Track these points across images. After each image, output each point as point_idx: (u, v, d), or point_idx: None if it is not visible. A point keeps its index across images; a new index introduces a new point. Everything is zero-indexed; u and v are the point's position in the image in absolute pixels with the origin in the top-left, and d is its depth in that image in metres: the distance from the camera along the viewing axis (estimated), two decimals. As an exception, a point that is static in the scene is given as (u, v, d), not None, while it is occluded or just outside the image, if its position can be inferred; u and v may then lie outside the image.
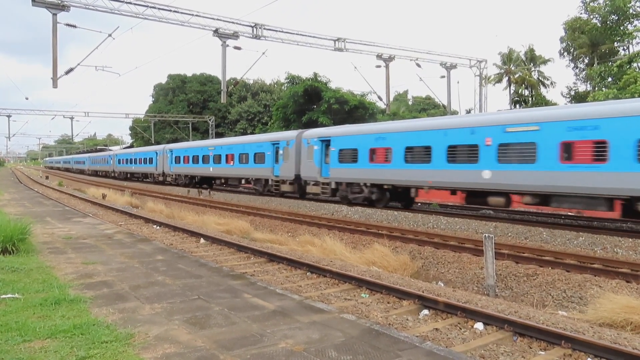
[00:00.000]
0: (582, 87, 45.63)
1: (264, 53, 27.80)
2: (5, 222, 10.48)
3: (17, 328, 5.29)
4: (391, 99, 36.13)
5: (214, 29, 24.09)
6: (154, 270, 8.67)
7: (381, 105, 38.33)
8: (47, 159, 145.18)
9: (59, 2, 20.69)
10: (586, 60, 44.04)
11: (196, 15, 23.63)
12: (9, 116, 53.27)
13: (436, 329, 6.75)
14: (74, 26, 22.72)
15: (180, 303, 6.55)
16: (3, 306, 6.20)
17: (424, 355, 4.81)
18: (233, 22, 24.47)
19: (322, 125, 37.26)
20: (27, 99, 63.04)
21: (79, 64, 24.68)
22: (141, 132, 72.56)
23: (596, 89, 37.81)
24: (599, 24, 38.81)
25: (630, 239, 12.10)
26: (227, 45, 24.66)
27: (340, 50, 27.31)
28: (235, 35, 24.58)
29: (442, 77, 32.93)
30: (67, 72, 23.78)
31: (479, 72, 33.25)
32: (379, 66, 29.81)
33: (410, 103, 78.79)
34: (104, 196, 29.36)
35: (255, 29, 24.84)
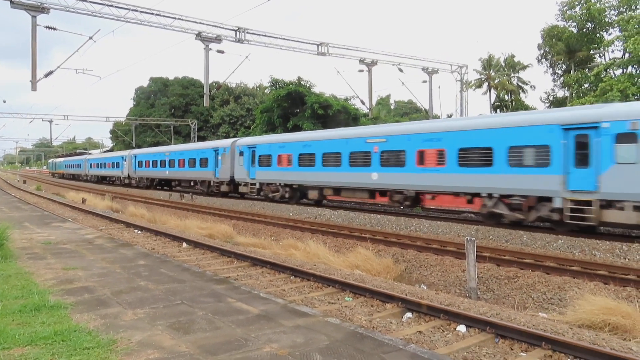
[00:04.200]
0: (560, 93, 46.54)
1: (247, 57, 27.60)
2: (-18, 228, 10.26)
3: (-5, 335, 5.17)
4: (374, 103, 36.35)
5: (196, 32, 24.00)
6: (136, 275, 8.58)
7: (364, 109, 38.63)
8: (57, 159, 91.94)
9: (39, 4, 20.38)
10: (564, 67, 44.91)
11: (179, 19, 23.52)
12: (-16, 119, 52.24)
13: (419, 331, 6.80)
14: (54, 28, 22.48)
15: (164, 308, 6.49)
16: (-20, 313, 6.06)
17: (407, 357, 4.85)
18: (216, 26, 24.42)
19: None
20: (4, 102, 62.22)
21: (58, 67, 24.40)
22: (122, 136, 71.71)
23: (574, 95, 38.63)
24: (575, 32, 39.64)
25: (607, 242, 12.35)
26: (210, 49, 24.60)
27: (323, 55, 27.44)
28: (218, 39, 24.53)
29: (424, 81, 33.31)
30: (47, 75, 23.44)
31: (460, 77, 33.70)
32: (361, 70, 30.05)
33: (392, 107, 79.51)
34: (83, 200, 28.87)
35: (238, 33, 24.82)
